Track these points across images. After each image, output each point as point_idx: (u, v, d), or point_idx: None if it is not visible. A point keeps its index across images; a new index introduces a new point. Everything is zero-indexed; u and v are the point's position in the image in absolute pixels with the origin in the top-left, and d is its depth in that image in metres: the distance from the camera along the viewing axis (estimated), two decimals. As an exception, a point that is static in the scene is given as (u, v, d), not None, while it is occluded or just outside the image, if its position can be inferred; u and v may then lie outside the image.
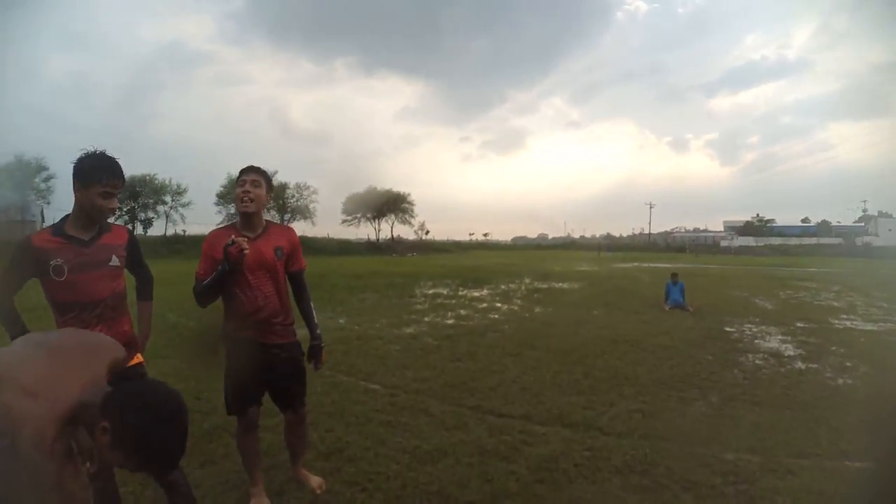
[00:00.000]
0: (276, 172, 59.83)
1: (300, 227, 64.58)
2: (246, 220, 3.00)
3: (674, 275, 12.48)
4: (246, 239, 2.82)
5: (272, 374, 3.07)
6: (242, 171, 2.99)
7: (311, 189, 63.54)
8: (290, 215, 61.23)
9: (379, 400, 4.99)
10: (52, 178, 46.61)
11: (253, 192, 2.94)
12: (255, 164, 3.01)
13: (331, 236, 67.07)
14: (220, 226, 3.32)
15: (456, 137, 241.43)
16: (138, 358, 2.70)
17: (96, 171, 2.40)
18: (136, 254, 2.76)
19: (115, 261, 2.59)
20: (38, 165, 46.48)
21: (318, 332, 3.23)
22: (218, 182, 56.90)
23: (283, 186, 61.05)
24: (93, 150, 2.42)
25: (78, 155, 2.40)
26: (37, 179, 46.46)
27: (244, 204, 2.93)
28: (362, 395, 5.16)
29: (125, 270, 2.70)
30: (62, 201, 49.58)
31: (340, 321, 9.78)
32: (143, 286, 2.92)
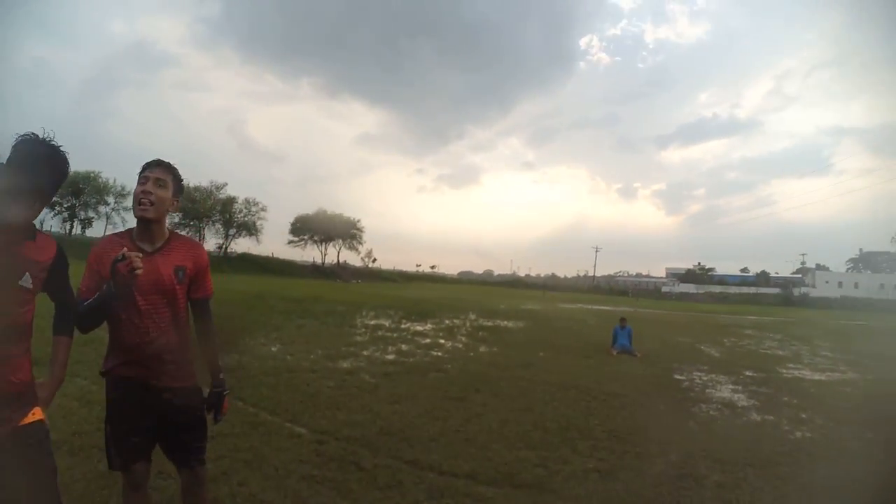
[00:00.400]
0: (225, 184, 59.40)
1: (244, 244, 62.96)
2: (143, 229, 2.42)
3: (622, 319, 12.26)
4: (139, 255, 2.21)
5: (163, 423, 2.45)
6: (146, 166, 2.42)
7: (260, 206, 62.86)
8: (235, 230, 59.87)
9: (304, 447, 4.34)
10: None
11: (155, 194, 2.37)
12: (166, 161, 2.47)
13: (275, 255, 65.77)
14: (114, 233, 2.69)
15: (412, 168, 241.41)
16: (37, 414, 2.01)
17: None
18: (62, 277, 2.12)
19: (26, 280, 1.93)
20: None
21: (222, 375, 2.62)
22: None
23: (232, 200, 60.56)
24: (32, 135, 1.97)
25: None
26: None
27: (142, 207, 2.36)
28: (286, 439, 4.50)
29: (36, 295, 2.04)
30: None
31: (273, 349, 9.06)
32: (62, 316, 2.21)
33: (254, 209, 62.35)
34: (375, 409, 5.65)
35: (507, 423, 5.48)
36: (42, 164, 1.97)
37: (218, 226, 59.74)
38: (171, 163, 2.47)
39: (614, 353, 11.42)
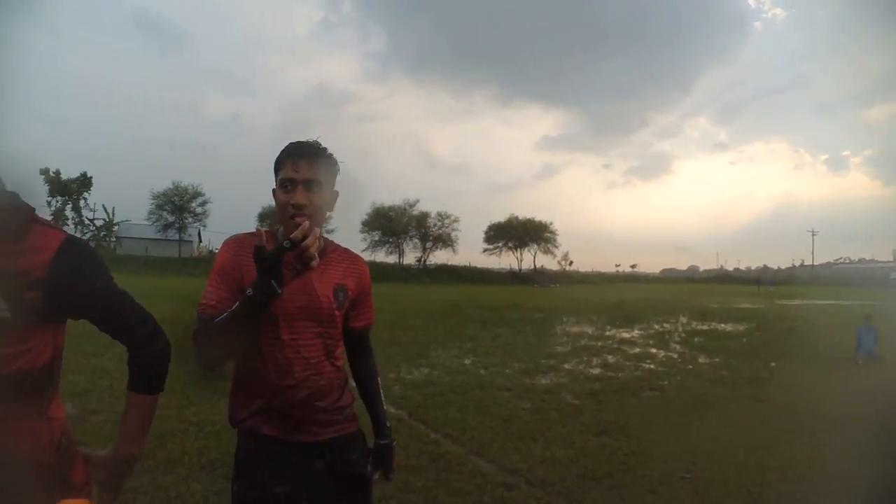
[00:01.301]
0: (417, 201, 62.84)
1: (442, 256, 65.70)
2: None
3: (867, 317, 9.94)
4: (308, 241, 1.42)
5: (313, 488, 1.74)
6: (286, 156, 1.68)
7: (453, 218, 64.69)
8: (431, 243, 63.01)
9: (489, 492, 3.58)
10: (207, 202, 52.95)
11: (309, 204, 1.64)
12: (311, 143, 1.72)
13: (472, 264, 67.50)
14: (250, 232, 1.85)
15: (598, 164, 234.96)
16: None
17: None
18: (86, 295, 1.34)
19: None
20: (195, 191, 52.62)
21: (389, 424, 1.99)
22: (363, 210, 60.26)
23: (426, 215, 63.09)
24: None
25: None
26: (193, 204, 52.31)
27: (297, 222, 1.56)
28: (468, 479, 3.77)
29: (55, 326, 1.33)
30: (218, 223, 54.88)
31: (466, 361, 8.58)
32: (131, 360, 1.47)
33: (447, 221, 64.12)
34: (578, 443, 4.71)
35: (747, 467, 4.20)
36: None
37: (415, 240, 62.78)
38: (318, 142, 1.75)
39: (860, 360, 9.23)
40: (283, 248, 1.34)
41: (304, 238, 1.35)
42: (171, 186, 51.54)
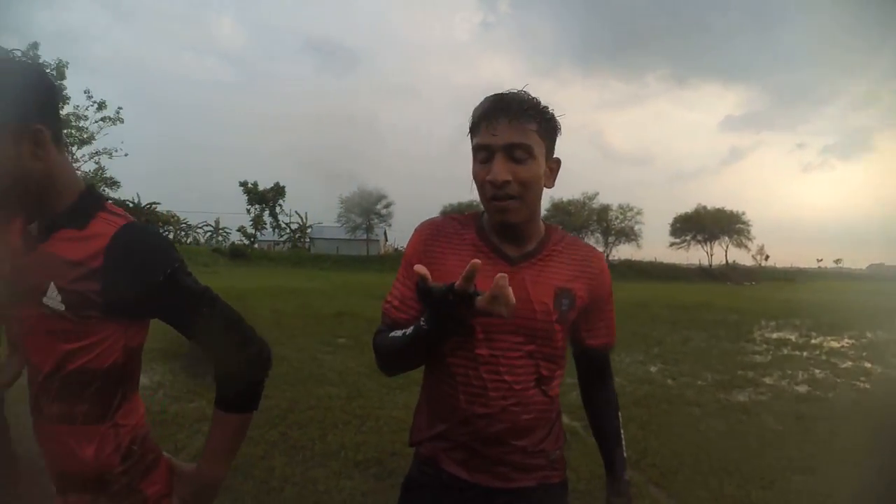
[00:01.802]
0: (596, 194, 60.89)
1: (625, 251, 62.84)
2: (505, 226, 1.36)
3: None
4: (502, 272, 1.12)
5: None
6: (484, 115, 1.28)
7: (635, 210, 61.74)
8: (613, 237, 60.38)
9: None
10: (391, 204, 56.22)
11: (517, 181, 1.26)
12: (517, 97, 1.28)
13: (658, 260, 63.74)
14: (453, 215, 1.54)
15: (790, 144, 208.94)
16: None
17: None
18: (146, 287, 1.13)
19: (52, 297, 1.10)
20: (379, 195, 56.29)
21: (627, 476, 1.52)
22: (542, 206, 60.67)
23: (606, 208, 60.61)
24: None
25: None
26: (378, 206, 55.79)
27: (498, 206, 1.29)
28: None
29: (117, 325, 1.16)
30: (402, 222, 58.32)
31: (652, 368, 7.83)
32: (218, 373, 1.26)
33: (629, 214, 61.39)
34: (779, 482, 3.86)
35: None
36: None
37: (597, 235, 60.59)
38: (525, 91, 1.30)
39: None
40: (448, 293, 1.09)
41: (471, 285, 1.08)
42: (357, 191, 55.84)
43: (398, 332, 1.30)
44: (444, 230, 1.42)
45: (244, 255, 41.40)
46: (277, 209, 55.63)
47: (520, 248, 1.38)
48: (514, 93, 1.30)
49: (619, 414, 1.55)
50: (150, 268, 1.13)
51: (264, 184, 54.97)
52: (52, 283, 1.09)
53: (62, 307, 1.10)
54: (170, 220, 55.74)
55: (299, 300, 14.74)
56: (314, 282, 23.59)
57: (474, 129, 1.30)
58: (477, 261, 1.06)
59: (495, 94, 1.30)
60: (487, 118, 1.27)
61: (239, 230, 56.21)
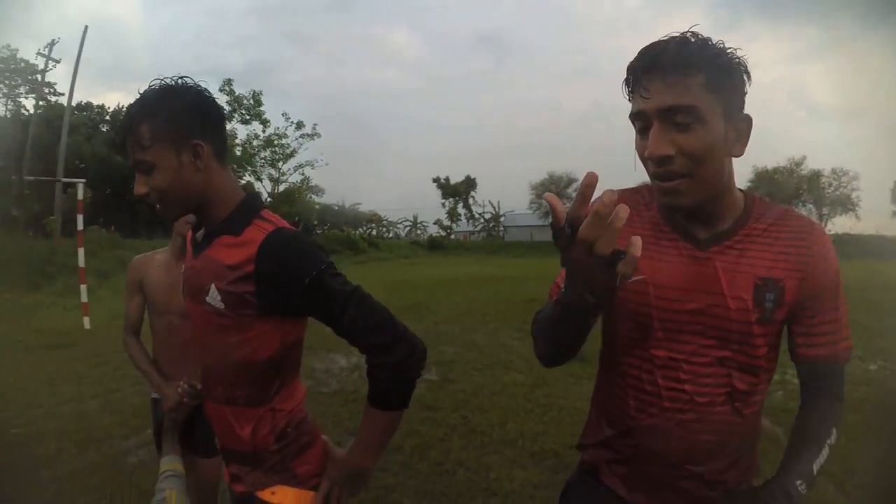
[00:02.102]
0: (804, 158, 51.16)
1: (842, 223, 53.06)
2: (677, 210, 1.15)
3: None
4: (690, 257, 1.11)
5: None
6: (632, 72, 1.04)
7: (850, 174, 50.58)
8: (828, 208, 50.86)
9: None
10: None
11: (682, 154, 1.01)
12: (687, 42, 1.00)
13: (880, 233, 52.29)
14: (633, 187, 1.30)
15: None
16: (277, 494, 1.34)
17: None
18: (296, 292, 1.22)
19: (213, 296, 1.25)
20: (569, 178, 55.42)
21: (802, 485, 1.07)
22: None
23: (817, 174, 50.98)
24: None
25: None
26: (569, 190, 54.37)
27: (665, 188, 1.06)
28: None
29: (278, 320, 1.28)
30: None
31: (871, 367, 6.81)
32: (369, 371, 1.28)
33: (844, 179, 50.60)
34: None
35: None
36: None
37: (809, 206, 51.03)
38: (686, 36, 1.00)
39: None
40: (562, 233, 0.82)
41: (582, 223, 0.79)
42: (547, 177, 55.73)
43: (546, 310, 1.15)
44: (629, 201, 1.04)
45: (441, 246, 44.09)
46: (470, 200, 57.92)
47: (710, 229, 1.12)
48: (669, 39, 1.00)
49: (834, 431, 1.12)
50: (297, 270, 1.21)
51: (456, 178, 57.50)
52: (213, 285, 1.24)
53: (222, 306, 1.24)
54: (372, 218, 61.03)
55: (492, 287, 15.36)
56: (508, 269, 24.16)
57: (631, 94, 1.06)
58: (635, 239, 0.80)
59: (652, 44, 1.02)
60: (637, 77, 1.02)
61: (435, 223, 59.79)
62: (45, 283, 16.65)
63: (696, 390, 1.10)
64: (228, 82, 32.89)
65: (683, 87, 0.97)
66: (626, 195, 1.21)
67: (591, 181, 0.77)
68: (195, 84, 1.26)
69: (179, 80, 1.27)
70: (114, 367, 6.85)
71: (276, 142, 35.92)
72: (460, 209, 57.93)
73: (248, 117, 33.99)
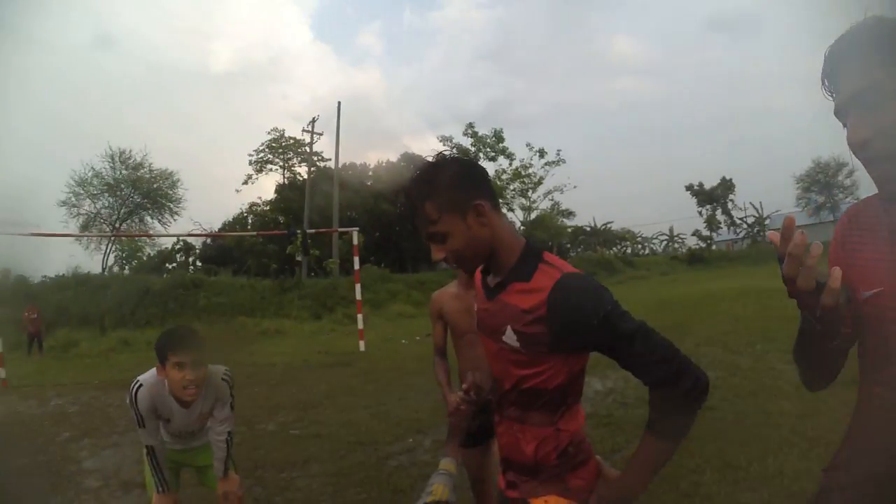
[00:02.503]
0: None
1: None
2: None
3: None
4: None
5: None
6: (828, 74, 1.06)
7: None
8: None
9: None
10: (854, 171, 44.70)
11: (878, 126, 0.98)
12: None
13: None
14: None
15: None
16: (547, 502, 1.46)
17: None
18: (586, 333, 1.30)
19: (509, 336, 1.38)
20: (839, 162, 46.05)
21: None
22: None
23: None
24: None
25: None
26: (840, 176, 46.20)
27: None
28: None
29: (562, 357, 1.38)
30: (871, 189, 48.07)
31: None
32: (651, 401, 1.33)
33: None
34: None
35: None
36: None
37: None
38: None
39: None
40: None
41: None
42: (812, 165, 47.59)
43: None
44: (863, 213, 1.11)
45: (702, 259, 40.49)
46: (729, 205, 52.47)
47: None
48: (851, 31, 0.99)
49: None
50: (585, 312, 1.28)
51: (711, 182, 52.73)
52: (508, 326, 1.38)
53: (518, 344, 1.37)
54: (625, 235, 58.64)
55: (760, 303, 13.67)
56: (777, 280, 21.23)
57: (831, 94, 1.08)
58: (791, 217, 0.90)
59: (832, 44, 1.01)
60: (828, 76, 1.04)
61: (694, 234, 55.02)
62: (325, 313, 19.60)
63: None
64: (471, 125, 35.04)
65: (865, 70, 0.96)
66: (871, 203, 1.11)
67: (788, 224, 0.90)
68: (450, 153, 1.38)
69: (438, 154, 1.47)
70: (384, 384, 7.64)
71: (522, 173, 37.09)
72: (719, 216, 52.74)
73: (493, 154, 35.74)
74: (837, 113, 1.03)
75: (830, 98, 1.04)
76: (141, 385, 2.52)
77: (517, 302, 1.36)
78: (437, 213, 1.34)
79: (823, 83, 1.05)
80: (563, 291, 1.31)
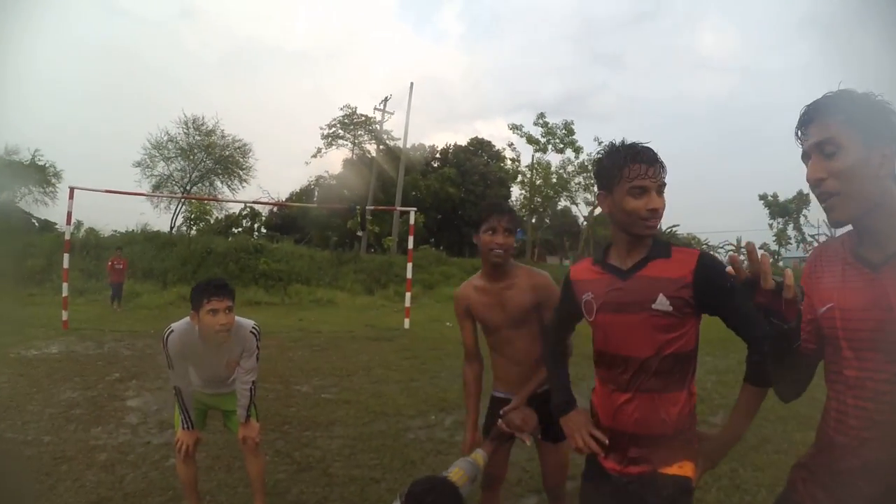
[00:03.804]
0: None
1: None
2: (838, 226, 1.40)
3: None
4: (861, 279, 1.29)
5: None
6: (801, 124, 1.32)
7: None
8: None
9: None
10: None
11: (827, 170, 1.26)
12: None
13: None
14: None
15: None
16: (685, 468, 1.64)
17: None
18: (719, 295, 1.57)
19: (661, 303, 1.59)
20: None
21: None
22: None
23: None
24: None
25: None
26: None
27: (824, 206, 1.32)
28: None
29: (695, 319, 1.65)
30: None
31: None
32: (750, 357, 1.59)
33: None
34: None
35: None
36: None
37: None
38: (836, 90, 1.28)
39: None
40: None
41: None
42: None
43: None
44: (828, 248, 1.40)
45: (768, 275, 38.67)
46: (802, 220, 49.61)
47: (882, 250, 1.23)
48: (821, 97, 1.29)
49: None
50: (722, 280, 1.51)
51: (786, 194, 49.84)
52: (661, 294, 1.59)
53: (671, 308, 1.59)
54: (690, 242, 56.32)
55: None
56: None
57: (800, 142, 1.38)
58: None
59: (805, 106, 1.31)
60: (799, 128, 1.33)
61: (761, 247, 52.23)
62: (378, 289, 19.89)
63: (876, 407, 1.19)
64: (541, 115, 34.39)
65: (824, 126, 1.23)
66: (826, 244, 1.41)
67: (752, 248, 1.21)
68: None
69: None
70: (420, 361, 7.74)
71: (589, 168, 36.22)
72: (790, 231, 49.96)
73: (561, 146, 35.10)
74: (803, 156, 1.29)
75: (799, 145, 1.29)
76: (172, 331, 2.71)
77: (665, 273, 1.59)
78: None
79: (797, 133, 1.29)
80: (708, 263, 1.59)
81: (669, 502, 1.59)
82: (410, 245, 12.65)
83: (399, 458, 3.95)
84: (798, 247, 49.05)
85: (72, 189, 11.00)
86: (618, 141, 1.66)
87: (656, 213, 1.59)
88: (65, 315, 10.34)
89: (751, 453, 4.17)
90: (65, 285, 10.77)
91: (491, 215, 2.31)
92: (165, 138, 29.36)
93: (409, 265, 12.40)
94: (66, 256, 10.97)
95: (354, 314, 14.77)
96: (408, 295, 12.40)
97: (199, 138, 29.89)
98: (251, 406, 2.90)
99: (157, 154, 29.34)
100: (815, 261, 1.40)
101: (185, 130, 29.78)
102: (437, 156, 42.83)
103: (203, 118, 30.06)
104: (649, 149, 1.61)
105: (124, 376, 6.45)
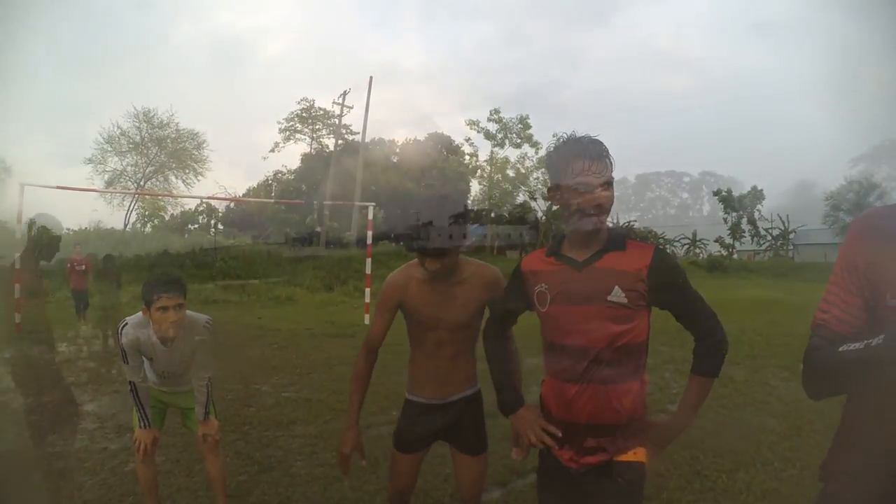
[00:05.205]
0: None
1: None
2: None
3: None
4: None
5: None
6: None
7: None
8: None
9: None
10: (885, 193, 43.56)
11: None
12: None
13: None
14: None
15: None
16: (638, 454, 1.71)
17: None
18: (672, 291, 1.67)
19: (616, 295, 1.63)
20: (869, 183, 44.80)
21: None
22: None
23: None
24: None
25: None
26: (870, 198, 44.10)
27: None
28: None
29: (647, 311, 1.70)
30: None
31: None
32: (697, 349, 1.70)
33: None
34: None
35: None
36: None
37: None
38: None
39: None
40: None
41: None
42: (845, 183, 46.15)
43: (850, 346, 1.16)
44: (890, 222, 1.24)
45: (721, 267, 39.72)
46: (756, 214, 51.24)
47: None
48: None
49: None
50: (675, 276, 1.69)
51: (741, 189, 51.36)
52: (616, 286, 1.64)
53: (626, 300, 1.64)
54: (647, 235, 57.38)
55: (770, 316, 13.52)
56: (793, 295, 21.13)
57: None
58: None
59: None
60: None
61: (716, 241, 53.76)
62: (337, 285, 19.81)
63: None
64: (496, 111, 34.73)
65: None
66: (883, 215, 1.34)
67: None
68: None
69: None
70: (381, 359, 7.72)
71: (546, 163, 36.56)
72: (744, 224, 51.51)
73: (518, 141, 35.44)
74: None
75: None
76: (126, 324, 2.73)
77: (621, 266, 1.65)
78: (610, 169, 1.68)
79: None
80: (662, 259, 1.68)
81: (627, 487, 1.68)
82: (369, 240, 12.66)
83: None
84: (752, 240, 50.70)
85: (22, 186, 10.66)
86: (567, 135, 1.73)
87: (601, 208, 1.63)
88: (17, 318, 10.04)
89: (708, 439, 4.32)
90: (17, 286, 10.43)
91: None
92: (118, 132, 28.58)
93: (369, 260, 12.41)
94: (17, 256, 10.61)
95: (314, 311, 14.68)
96: (367, 291, 12.37)
97: (151, 131, 29.15)
98: (209, 403, 2.91)
99: (110, 148, 28.53)
100: (875, 236, 1.25)
101: (137, 124, 29.02)
102: (397, 150, 42.69)
103: (155, 110, 29.31)
104: (596, 143, 1.65)
105: (80, 380, 6.34)
